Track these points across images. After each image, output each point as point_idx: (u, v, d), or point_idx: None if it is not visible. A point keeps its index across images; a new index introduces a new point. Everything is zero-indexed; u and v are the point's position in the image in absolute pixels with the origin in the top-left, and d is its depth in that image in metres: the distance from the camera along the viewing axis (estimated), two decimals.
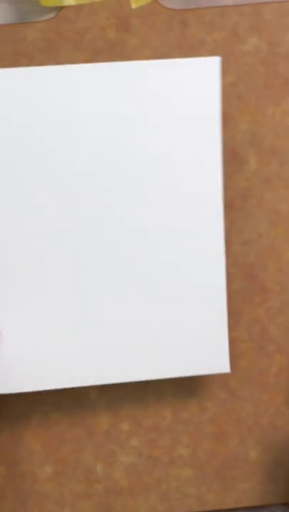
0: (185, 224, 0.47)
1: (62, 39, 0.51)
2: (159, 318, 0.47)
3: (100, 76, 0.46)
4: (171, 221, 0.47)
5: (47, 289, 0.47)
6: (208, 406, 0.52)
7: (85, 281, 0.47)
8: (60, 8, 0.51)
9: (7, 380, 0.47)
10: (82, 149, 0.46)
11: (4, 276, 0.47)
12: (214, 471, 0.52)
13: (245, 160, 0.52)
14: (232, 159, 0.52)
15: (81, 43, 0.51)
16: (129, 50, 0.51)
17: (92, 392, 0.52)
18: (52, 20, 0.51)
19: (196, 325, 0.48)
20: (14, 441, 0.52)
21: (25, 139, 0.46)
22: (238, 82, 0.51)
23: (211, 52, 0.51)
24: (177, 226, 0.47)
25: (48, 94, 0.46)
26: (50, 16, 0.52)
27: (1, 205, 0.46)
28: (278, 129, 0.52)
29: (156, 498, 0.52)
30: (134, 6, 0.51)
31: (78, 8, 0.51)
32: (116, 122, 0.46)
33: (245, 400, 0.52)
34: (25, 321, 0.47)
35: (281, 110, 0.51)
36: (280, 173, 0.52)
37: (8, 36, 0.51)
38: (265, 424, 0.53)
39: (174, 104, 0.46)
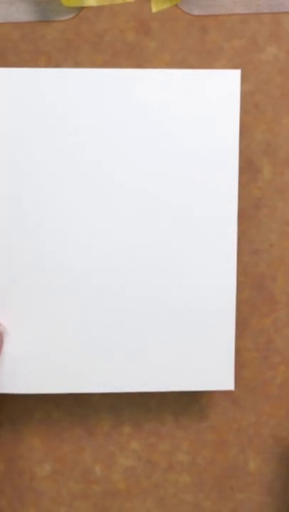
0: (197, 236, 0.47)
1: (81, 39, 0.51)
2: (167, 331, 0.47)
3: (120, 81, 0.46)
4: (184, 232, 0.47)
5: (54, 293, 0.47)
6: (210, 414, 0.52)
7: (92, 289, 0.47)
8: (80, 9, 0.51)
9: (10, 380, 0.47)
10: (103, 154, 0.46)
11: (11, 279, 0.47)
12: (212, 479, 0.52)
13: (259, 169, 0.51)
14: (246, 168, 0.51)
15: (100, 45, 0.51)
16: (148, 54, 0.51)
17: (95, 393, 0.52)
18: (72, 21, 0.51)
19: (204, 340, 0.48)
20: (15, 436, 0.52)
21: (49, 141, 0.46)
22: (255, 90, 0.51)
23: (230, 60, 0.51)
24: (189, 238, 0.47)
25: (71, 97, 0.46)
26: (70, 16, 0.52)
27: (5, 210, 0.46)
28: None
29: (152, 502, 0.52)
30: (154, 9, 0.51)
31: (99, 9, 0.51)
32: (135, 129, 0.46)
33: (247, 409, 0.52)
34: (32, 323, 0.47)
35: None
36: None
37: (28, 34, 0.52)
38: (266, 435, 0.52)
39: (193, 114, 0.46)
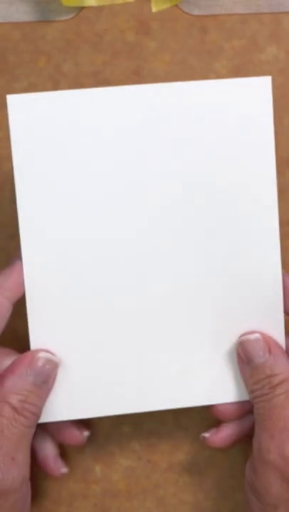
0: (239, 246, 0.47)
1: (81, 39, 0.51)
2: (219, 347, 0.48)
3: (153, 96, 0.46)
4: (228, 246, 0.47)
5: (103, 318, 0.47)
6: (210, 414, 0.52)
7: (143, 315, 0.47)
8: (80, 9, 0.51)
9: (66, 406, 0.47)
10: (141, 168, 0.46)
11: (62, 301, 0.47)
12: (212, 479, 0.52)
13: None
14: None
15: (100, 45, 0.51)
16: (148, 54, 0.51)
17: None
18: (72, 21, 0.51)
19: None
20: None
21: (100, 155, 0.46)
22: None
23: (230, 60, 0.51)
24: (233, 249, 0.47)
25: (102, 115, 0.46)
26: (70, 16, 0.52)
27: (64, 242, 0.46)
28: None
29: (152, 502, 0.52)
30: (154, 9, 0.51)
31: (99, 9, 0.51)
32: (172, 141, 0.46)
33: None
34: (83, 350, 0.47)
35: None
36: None
37: (28, 34, 0.52)
38: None
39: (227, 124, 0.46)
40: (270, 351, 0.46)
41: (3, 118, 0.51)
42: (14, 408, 0.44)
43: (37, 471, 0.52)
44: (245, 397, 0.47)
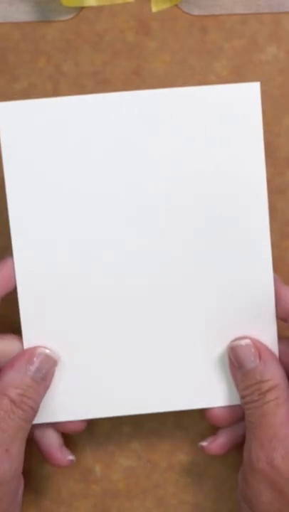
0: (231, 258, 0.47)
1: (81, 39, 0.51)
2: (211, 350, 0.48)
3: (143, 103, 0.45)
4: (218, 256, 0.47)
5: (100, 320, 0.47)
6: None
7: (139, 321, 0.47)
8: (80, 9, 0.51)
9: (64, 407, 0.48)
10: (130, 175, 0.46)
11: (59, 306, 0.47)
12: (212, 479, 0.52)
13: None
14: None
15: (100, 45, 0.51)
16: (148, 54, 0.51)
17: None
18: (72, 21, 0.51)
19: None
20: None
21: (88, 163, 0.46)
22: None
23: (230, 60, 0.51)
24: (223, 264, 0.47)
25: (92, 122, 0.46)
26: (70, 16, 0.52)
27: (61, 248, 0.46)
28: None
29: (152, 502, 0.52)
30: (154, 9, 0.51)
31: (99, 9, 0.51)
32: (162, 148, 0.46)
33: None
34: (82, 350, 0.47)
35: None
36: None
37: (28, 34, 0.52)
38: None
39: (216, 131, 0.46)
40: (260, 357, 0.46)
41: None
42: (12, 401, 0.44)
43: (37, 470, 0.52)
44: (238, 401, 0.47)
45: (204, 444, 0.49)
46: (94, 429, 0.52)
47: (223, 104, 0.45)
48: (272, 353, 0.46)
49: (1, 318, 0.49)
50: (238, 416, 0.48)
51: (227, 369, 0.47)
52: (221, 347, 0.47)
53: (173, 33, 0.51)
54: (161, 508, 0.52)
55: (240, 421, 0.48)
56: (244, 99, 0.45)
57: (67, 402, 0.47)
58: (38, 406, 0.46)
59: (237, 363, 0.46)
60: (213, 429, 0.52)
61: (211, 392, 0.48)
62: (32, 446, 0.49)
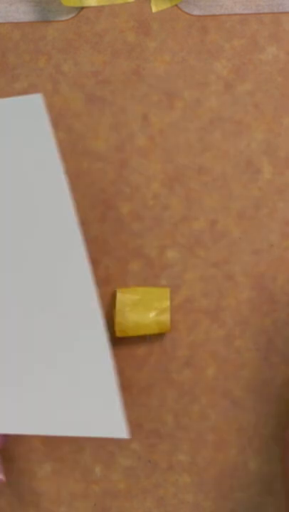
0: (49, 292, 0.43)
1: (81, 40, 0.52)
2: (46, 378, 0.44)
3: None
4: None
5: None
6: (210, 414, 0.52)
7: None
8: (80, 9, 0.51)
9: None
10: None
11: None
12: (212, 478, 0.52)
13: (259, 169, 0.51)
14: (246, 168, 0.51)
15: (100, 45, 0.51)
16: (148, 54, 0.51)
17: None
18: (71, 21, 0.51)
19: (84, 387, 0.44)
20: (14, 436, 0.52)
21: None
22: (255, 90, 0.51)
23: (230, 60, 0.51)
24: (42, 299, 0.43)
25: None
26: (70, 16, 0.52)
27: None
28: None
29: (152, 502, 0.52)
30: (154, 9, 0.51)
31: (98, 9, 0.51)
32: None
33: (247, 409, 0.52)
34: None
35: None
36: None
37: (28, 34, 0.52)
38: (266, 435, 0.52)
39: (7, 151, 0.42)
40: None
41: None
42: None
43: (37, 470, 0.52)
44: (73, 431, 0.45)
45: None
46: None
47: (7, 122, 0.41)
48: None
49: None
50: None
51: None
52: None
53: (173, 33, 0.51)
54: (161, 508, 0.52)
55: None
56: (29, 113, 0.40)
57: None
58: None
59: None
60: (213, 429, 0.52)
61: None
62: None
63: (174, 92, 0.52)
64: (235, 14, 0.51)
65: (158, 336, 0.52)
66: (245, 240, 0.52)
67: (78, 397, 0.44)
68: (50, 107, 0.52)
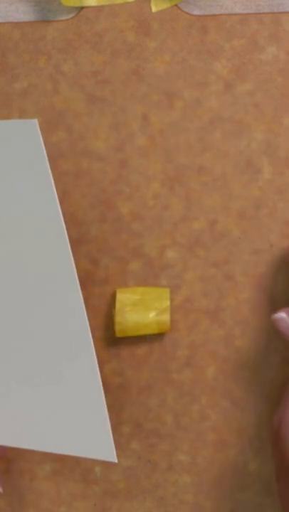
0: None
1: (81, 39, 0.52)
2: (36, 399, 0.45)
3: None
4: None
5: None
6: (210, 414, 0.52)
7: None
8: (80, 9, 0.51)
9: None
10: None
11: None
12: (212, 479, 0.52)
13: (259, 169, 0.51)
14: (246, 168, 0.51)
15: (100, 45, 0.51)
16: (148, 54, 0.51)
17: None
18: (71, 21, 0.51)
19: (74, 410, 0.44)
20: None
21: None
22: (255, 90, 0.51)
23: (230, 60, 0.51)
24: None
25: None
26: (70, 16, 0.52)
27: None
28: None
29: (152, 502, 0.52)
30: (154, 9, 0.51)
31: (98, 9, 0.51)
32: None
33: (247, 410, 0.52)
34: None
35: None
36: None
37: (28, 34, 0.52)
38: (266, 435, 0.52)
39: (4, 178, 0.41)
40: None
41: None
42: None
43: (37, 470, 0.52)
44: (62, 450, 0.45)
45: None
46: None
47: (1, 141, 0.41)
48: None
49: None
50: None
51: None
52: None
53: (173, 33, 0.51)
54: (161, 508, 0.52)
55: None
56: (24, 137, 0.40)
57: None
58: None
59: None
60: (213, 430, 0.52)
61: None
62: None
63: (173, 92, 0.52)
64: (235, 14, 0.51)
65: (158, 336, 0.52)
66: (245, 240, 0.52)
67: (68, 418, 0.44)
68: (50, 107, 0.52)
